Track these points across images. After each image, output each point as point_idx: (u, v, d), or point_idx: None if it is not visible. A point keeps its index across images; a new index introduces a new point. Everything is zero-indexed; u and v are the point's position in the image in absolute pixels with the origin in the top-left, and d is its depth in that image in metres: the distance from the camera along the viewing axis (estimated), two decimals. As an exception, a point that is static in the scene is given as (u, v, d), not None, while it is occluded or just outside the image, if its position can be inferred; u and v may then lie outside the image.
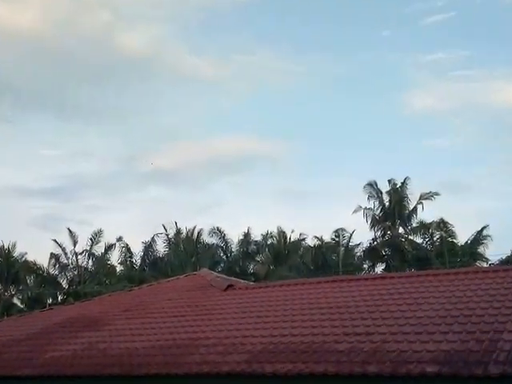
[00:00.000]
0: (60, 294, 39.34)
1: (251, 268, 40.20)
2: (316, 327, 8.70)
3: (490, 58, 56.73)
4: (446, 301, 9.03)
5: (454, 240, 32.96)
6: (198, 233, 40.09)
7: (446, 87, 53.85)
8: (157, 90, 61.55)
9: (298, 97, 58.94)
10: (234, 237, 40.83)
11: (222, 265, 39.72)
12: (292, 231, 39.45)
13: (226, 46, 61.72)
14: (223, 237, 40.11)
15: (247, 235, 39.85)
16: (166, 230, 39.80)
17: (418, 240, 34.32)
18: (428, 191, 35.00)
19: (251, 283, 16.47)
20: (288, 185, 58.54)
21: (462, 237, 33.62)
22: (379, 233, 35.71)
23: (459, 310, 8.35)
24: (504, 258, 30.51)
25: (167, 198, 57.22)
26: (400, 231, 35.62)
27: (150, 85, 60.65)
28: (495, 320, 7.60)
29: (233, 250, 40.31)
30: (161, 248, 40.17)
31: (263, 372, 7.28)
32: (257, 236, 40.20)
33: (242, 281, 15.31)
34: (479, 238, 32.64)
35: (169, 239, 39.99)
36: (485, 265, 31.31)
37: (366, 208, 35.84)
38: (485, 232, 32.60)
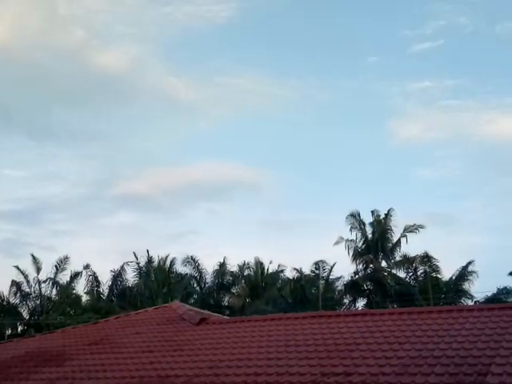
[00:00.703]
0: (20, 324, 38.49)
1: (226, 300, 39.92)
2: (293, 366, 8.65)
3: (479, 89, 58.21)
4: (429, 340, 9.07)
5: (439, 275, 33.23)
6: (171, 262, 39.82)
7: (434, 117, 54.98)
8: (134, 112, 61.77)
9: (282, 123, 59.56)
10: (209, 267, 40.69)
11: (196, 296, 39.39)
12: (270, 262, 39.47)
13: (208, 67, 62.45)
14: (197, 267, 39.88)
15: (223, 265, 39.69)
16: (136, 259, 39.47)
17: (401, 274, 34.55)
18: (412, 223, 35.38)
19: (226, 317, 16.36)
20: (268, 215, 58.77)
21: (447, 272, 33.95)
22: (361, 266, 35.87)
23: (442, 351, 8.39)
24: (489, 295, 30.83)
25: (139, 225, 56.89)
26: (383, 265, 35.81)
27: (126, 106, 60.92)
28: (479, 362, 7.65)
29: (207, 280, 40.11)
30: (130, 277, 39.77)
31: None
32: (233, 266, 40.13)
33: (216, 314, 15.20)
34: (464, 273, 32.94)
35: (139, 268, 39.58)
36: (470, 302, 31.58)
37: (347, 240, 36.03)
38: (470, 268, 32.96)
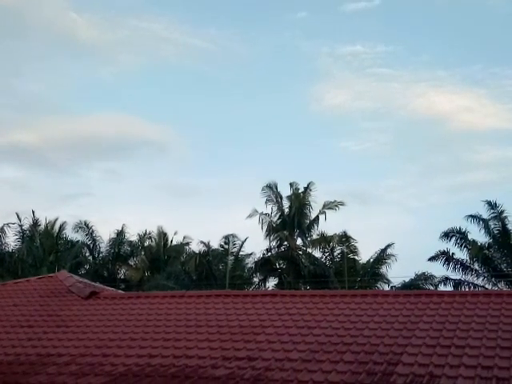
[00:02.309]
0: None
1: (122, 273, 39.54)
2: (191, 348, 8.74)
3: (413, 58, 59.80)
4: (340, 326, 9.43)
5: (356, 257, 34.39)
6: (60, 226, 38.79)
7: (363, 85, 56.15)
8: (22, 49, 58.68)
9: (196, 78, 58.86)
10: (105, 234, 40.01)
11: (87, 267, 38.72)
12: (175, 233, 39.38)
13: (117, 5, 60.35)
14: (91, 233, 39.12)
15: (120, 234, 39.15)
16: (19, 220, 38.12)
17: (317, 254, 35.41)
18: (333, 200, 36.21)
19: (120, 291, 16.23)
20: (175, 180, 58.23)
21: (365, 254, 35.19)
22: (275, 242, 36.39)
23: (353, 337, 8.75)
24: (407, 280, 32.33)
25: (24, 182, 54.74)
26: (298, 242, 36.51)
27: (13, 41, 57.64)
28: (390, 350, 8.04)
29: (102, 250, 39.44)
30: (11, 241, 38.38)
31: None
32: (132, 236, 39.67)
33: (110, 288, 15.04)
34: (383, 256, 34.25)
35: (22, 231, 38.29)
36: (386, 287, 32.94)
37: (262, 213, 36.35)
38: (389, 251, 34.30)
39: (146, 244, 39.64)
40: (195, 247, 37.66)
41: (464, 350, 7.83)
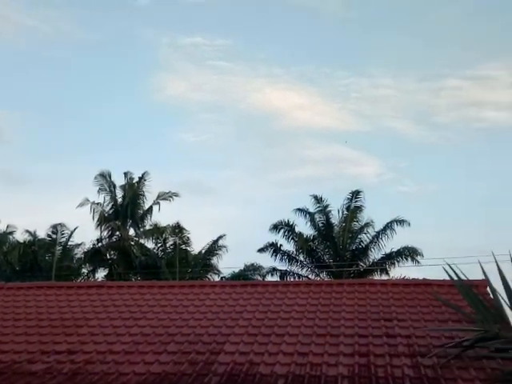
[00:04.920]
0: None
1: None
2: (7, 343, 8.30)
3: (251, 54, 60.97)
4: (166, 317, 9.42)
5: (188, 248, 34.61)
6: None
7: (203, 76, 56.28)
8: None
9: (30, 58, 55.50)
10: None
11: None
12: (-3, 222, 36.95)
13: None
14: None
15: None
16: None
17: (150, 245, 35.15)
18: (168, 191, 36.13)
19: None
20: (4, 166, 54.56)
21: (198, 245, 35.52)
22: (106, 233, 35.59)
23: (178, 328, 8.78)
24: (237, 271, 33.15)
25: None
26: (131, 233, 36.01)
27: None
28: (214, 340, 8.17)
29: None
30: None
31: None
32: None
33: None
34: (214, 248, 34.82)
35: None
36: (216, 277, 33.56)
37: (94, 202, 35.37)
38: (221, 242, 34.94)
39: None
40: (20, 237, 35.69)
41: (283, 337, 8.16)
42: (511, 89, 48.97)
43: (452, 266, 7.51)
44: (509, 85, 48.53)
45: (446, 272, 7.57)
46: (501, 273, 7.09)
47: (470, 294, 7.50)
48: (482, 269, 7.77)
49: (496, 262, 7.15)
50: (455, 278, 7.56)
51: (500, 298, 7.26)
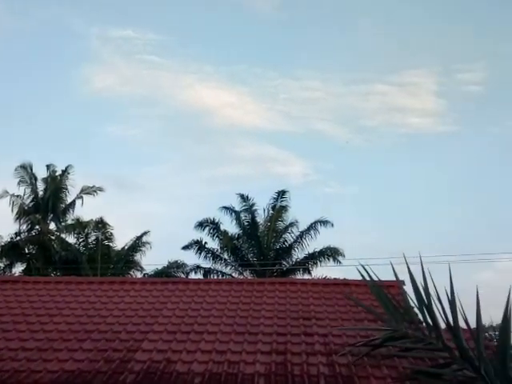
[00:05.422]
0: None
1: None
2: None
3: (181, 50, 60.43)
4: (84, 313, 9.24)
5: (111, 244, 34.04)
6: None
7: (133, 70, 55.33)
8: None
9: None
10: None
11: None
12: None
13: None
14: None
15: None
16: None
17: (72, 240, 34.37)
18: (92, 185, 35.42)
19: None
20: None
21: (121, 241, 34.97)
22: (25, 226, 34.56)
23: (95, 325, 8.64)
24: (160, 268, 32.85)
25: None
26: (51, 227, 35.08)
27: None
28: (131, 338, 8.06)
29: None
30: None
31: None
32: None
33: None
34: (138, 244, 34.41)
35: None
36: (139, 274, 33.13)
37: (13, 195, 34.27)
38: (145, 238, 34.54)
39: None
40: None
41: (202, 335, 8.15)
42: (435, 96, 50.57)
43: (365, 266, 7.70)
44: (432, 92, 50.17)
45: (360, 273, 7.76)
46: (410, 274, 7.31)
47: (381, 295, 7.70)
48: (394, 270, 8.05)
49: (407, 263, 7.36)
50: (368, 279, 7.76)
51: (409, 298, 7.52)
